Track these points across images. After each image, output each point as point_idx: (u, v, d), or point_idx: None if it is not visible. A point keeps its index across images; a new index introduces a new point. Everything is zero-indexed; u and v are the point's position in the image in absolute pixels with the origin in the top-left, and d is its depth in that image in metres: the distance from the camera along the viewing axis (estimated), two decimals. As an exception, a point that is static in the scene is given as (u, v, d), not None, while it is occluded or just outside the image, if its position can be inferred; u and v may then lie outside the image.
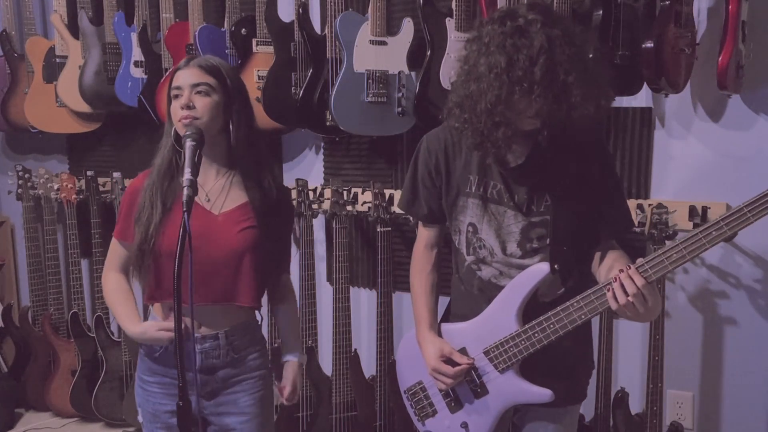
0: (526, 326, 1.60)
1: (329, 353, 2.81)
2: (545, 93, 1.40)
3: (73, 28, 3.27)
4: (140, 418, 1.86)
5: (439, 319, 1.82)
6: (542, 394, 1.62)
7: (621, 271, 1.48)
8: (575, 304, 1.54)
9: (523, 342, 1.60)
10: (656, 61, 2.17)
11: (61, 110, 3.33)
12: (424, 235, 1.81)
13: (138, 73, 3.09)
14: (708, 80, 2.30)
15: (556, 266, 1.59)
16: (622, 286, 1.46)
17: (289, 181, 2.99)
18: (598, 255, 1.66)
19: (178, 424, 1.48)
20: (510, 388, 1.64)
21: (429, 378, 1.75)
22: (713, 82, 2.20)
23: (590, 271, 1.68)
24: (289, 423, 2.83)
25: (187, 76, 1.67)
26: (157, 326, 1.70)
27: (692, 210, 2.35)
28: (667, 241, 2.30)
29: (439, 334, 1.75)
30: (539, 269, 1.59)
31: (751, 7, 2.24)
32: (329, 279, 3.07)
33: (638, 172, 2.50)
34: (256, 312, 1.84)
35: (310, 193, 2.80)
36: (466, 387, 1.70)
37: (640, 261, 1.49)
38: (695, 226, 2.34)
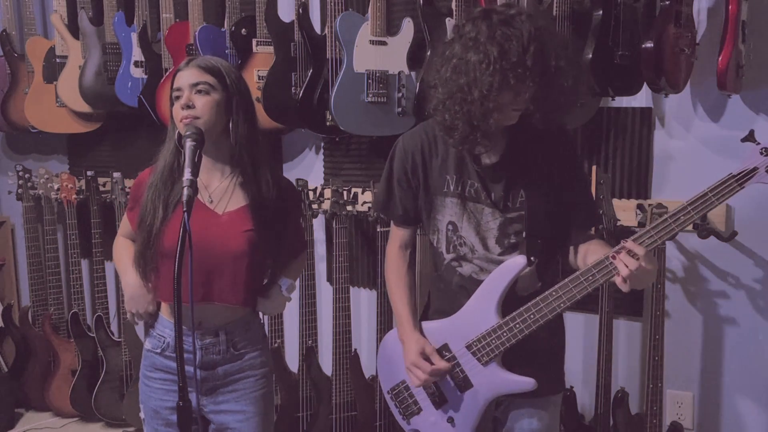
0: (507, 318, 1.62)
1: (329, 353, 2.81)
2: (538, 78, 1.45)
3: (73, 28, 3.27)
4: (142, 415, 1.86)
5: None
6: (526, 382, 1.65)
7: (623, 244, 1.50)
8: (554, 293, 1.57)
9: (505, 334, 1.63)
10: (656, 61, 2.17)
11: (61, 110, 3.33)
12: (399, 235, 1.83)
13: (138, 73, 3.09)
14: (708, 80, 2.30)
15: (532, 258, 1.63)
16: (629, 253, 1.48)
17: (289, 181, 3.00)
18: (572, 249, 1.70)
19: (178, 425, 1.48)
20: (494, 380, 1.67)
21: None
22: (713, 82, 2.20)
23: (566, 263, 1.72)
24: (289, 423, 2.83)
25: (186, 77, 1.67)
26: (144, 303, 1.77)
27: (692, 210, 2.35)
28: (667, 242, 2.31)
29: (421, 333, 1.76)
30: (516, 262, 1.63)
31: (751, 7, 2.24)
32: (329, 279, 3.07)
33: (638, 172, 2.50)
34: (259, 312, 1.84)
35: (310, 193, 2.80)
36: (449, 382, 1.72)
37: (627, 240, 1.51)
38: (695, 226, 2.34)
